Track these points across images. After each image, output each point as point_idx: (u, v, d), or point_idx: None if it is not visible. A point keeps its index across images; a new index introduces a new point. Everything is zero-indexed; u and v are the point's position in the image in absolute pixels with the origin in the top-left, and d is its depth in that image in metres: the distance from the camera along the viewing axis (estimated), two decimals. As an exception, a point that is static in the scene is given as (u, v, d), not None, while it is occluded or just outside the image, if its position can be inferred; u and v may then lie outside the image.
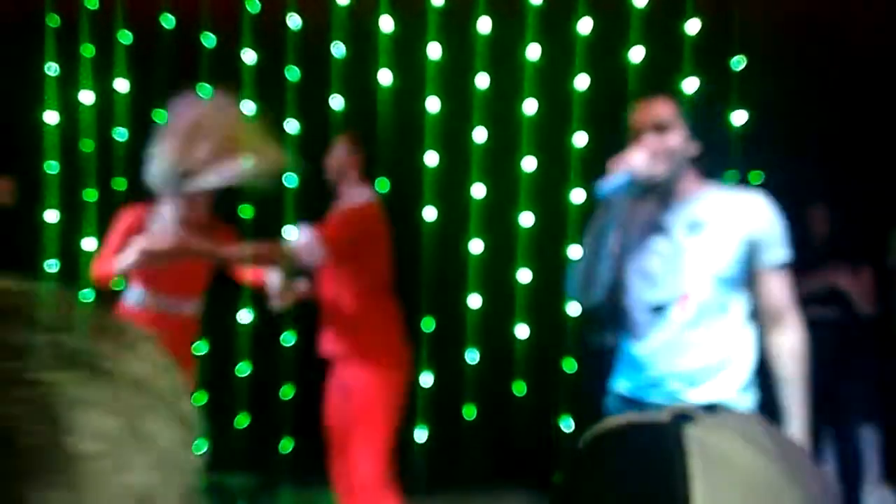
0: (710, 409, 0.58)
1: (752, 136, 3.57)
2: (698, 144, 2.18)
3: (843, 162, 3.91)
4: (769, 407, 2.13)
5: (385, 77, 3.84)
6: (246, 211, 3.94)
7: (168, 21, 3.93)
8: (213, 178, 2.81)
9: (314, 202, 3.25)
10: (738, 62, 3.62)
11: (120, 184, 3.77)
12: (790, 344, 2.15)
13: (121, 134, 3.94)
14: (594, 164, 2.54)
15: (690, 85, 3.49)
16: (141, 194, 3.02)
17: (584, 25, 3.67)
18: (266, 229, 3.80)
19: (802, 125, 3.89)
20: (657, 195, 2.21)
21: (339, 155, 3.05)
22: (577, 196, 3.72)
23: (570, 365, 3.92)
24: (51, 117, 3.82)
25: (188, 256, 2.89)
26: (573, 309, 3.73)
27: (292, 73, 3.92)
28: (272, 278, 3.00)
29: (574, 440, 0.62)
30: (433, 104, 3.86)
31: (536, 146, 3.82)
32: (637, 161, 2.08)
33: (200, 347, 3.45)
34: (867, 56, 3.82)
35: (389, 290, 3.12)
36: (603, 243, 2.18)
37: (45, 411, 0.27)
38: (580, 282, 2.27)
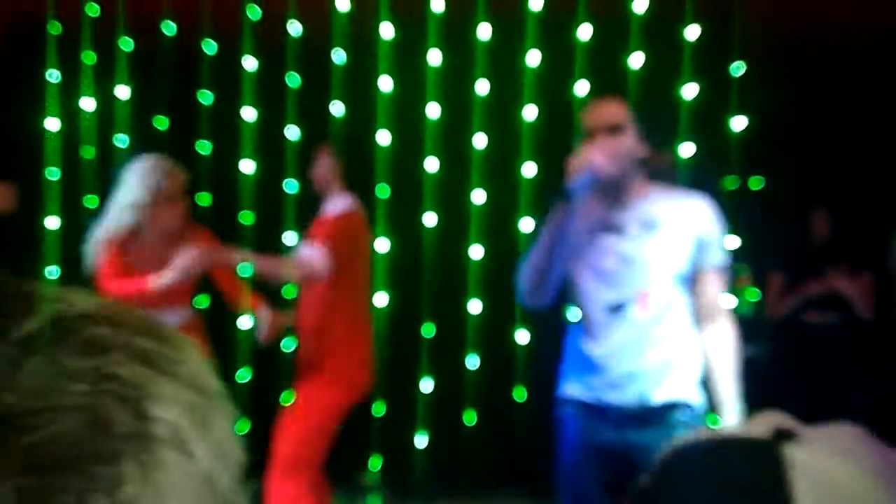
0: (808, 422, 0.56)
1: (753, 142, 3.57)
2: (647, 146, 2.20)
3: (843, 166, 3.92)
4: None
5: (385, 83, 3.85)
6: (246, 217, 3.95)
7: (169, 28, 3.94)
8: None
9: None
10: (738, 68, 3.63)
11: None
12: (724, 339, 2.19)
13: (122, 141, 3.94)
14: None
15: (690, 90, 3.51)
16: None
17: (584, 32, 3.69)
18: (266, 235, 3.81)
19: (802, 130, 3.90)
20: (608, 195, 2.20)
21: (322, 165, 3.11)
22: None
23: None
24: (52, 124, 3.83)
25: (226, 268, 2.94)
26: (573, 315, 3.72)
27: (293, 80, 3.93)
28: (263, 313, 3.04)
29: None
30: (433, 110, 3.87)
31: (536, 152, 3.82)
32: (598, 160, 2.08)
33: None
34: (867, 61, 3.83)
35: (364, 304, 3.20)
36: (557, 242, 2.18)
37: (128, 403, 0.32)
38: (530, 283, 2.26)
